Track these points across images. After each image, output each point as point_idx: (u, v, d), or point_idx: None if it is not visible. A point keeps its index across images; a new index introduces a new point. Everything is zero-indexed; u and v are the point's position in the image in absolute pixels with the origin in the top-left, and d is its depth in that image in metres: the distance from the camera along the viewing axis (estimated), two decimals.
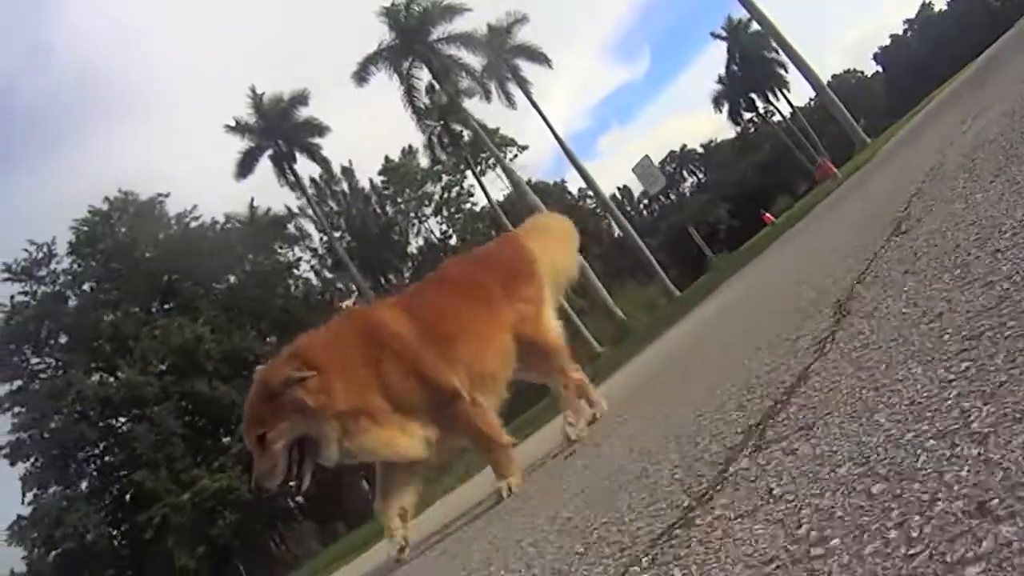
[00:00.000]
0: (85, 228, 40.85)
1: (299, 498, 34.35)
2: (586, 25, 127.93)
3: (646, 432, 2.85)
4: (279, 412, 3.38)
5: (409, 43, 37.61)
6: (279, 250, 46.65)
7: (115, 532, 35.16)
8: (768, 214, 40.02)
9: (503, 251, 4.47)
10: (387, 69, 37.76)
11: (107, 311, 38.10)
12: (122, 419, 37.48)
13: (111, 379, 37.44)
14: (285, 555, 38.02)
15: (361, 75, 38.05)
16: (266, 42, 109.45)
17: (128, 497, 35.19)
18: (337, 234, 51.91)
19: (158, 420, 34.19)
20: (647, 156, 21.24)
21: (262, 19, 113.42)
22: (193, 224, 41.22)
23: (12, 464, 38.23)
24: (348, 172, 58.48)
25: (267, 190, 69.47)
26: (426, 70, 38.66)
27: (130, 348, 37.10)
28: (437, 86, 40.99)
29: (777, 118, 74.82)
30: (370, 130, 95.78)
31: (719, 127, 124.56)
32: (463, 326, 3.86)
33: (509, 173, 38.49)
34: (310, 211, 51.59)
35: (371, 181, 59.87)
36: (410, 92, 39.13)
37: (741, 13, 63.35)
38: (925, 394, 1.23)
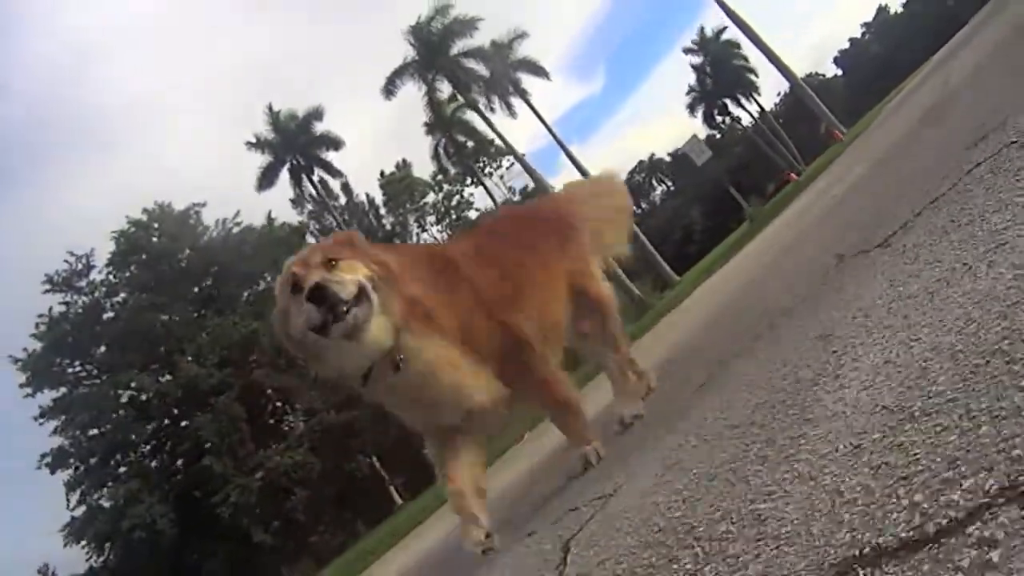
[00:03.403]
0: (123, 239, 45.25)
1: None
2: (540, 45, 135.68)
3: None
4: (359, 254, 2.95)
5: (432, 57, 43.54)
6: None
7: (180, 518, 39.29)
8: (792, 173, 46.40)
9: (546, 209, 4.34)
10: (415, 81, 43.81)
11: (156, 314, 42.50)
12: (182, 411, 41.81)
13: (166, 376, 41.97)
14: (330, 541, 42.48)
15: (388, 88, 43.90)
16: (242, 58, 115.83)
17: (192, 484, 39.58)
18: None
19: (221, 408, 38.92)
20: (694, 135, 27.45)
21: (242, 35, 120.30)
22: (235, 230, 46.12)
23: (52, 472, 42.02)
24: (346, 187, 63.79)
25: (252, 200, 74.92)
26: (446, 82, 44.76)
27: (182, 348, 41.86)
28: (441, 99, 47.12)
29: (747, 121, 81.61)
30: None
31: (683, 134, 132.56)
32: (529, 273, 3.59)
33: (531, 172, 44.47)
34: (317, 222, 57.40)
35: (367, 195, 65.31)
36: (432, 104, 45.14)
37: (711, 25, 71.55)
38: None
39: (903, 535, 0.89)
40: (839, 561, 0.95)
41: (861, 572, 0.90)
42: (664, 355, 5.65)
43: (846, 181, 7.42)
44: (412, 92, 45.20)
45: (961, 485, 0.88)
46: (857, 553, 0.93)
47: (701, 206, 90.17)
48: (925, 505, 0.91)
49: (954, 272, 1.55)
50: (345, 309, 2.73)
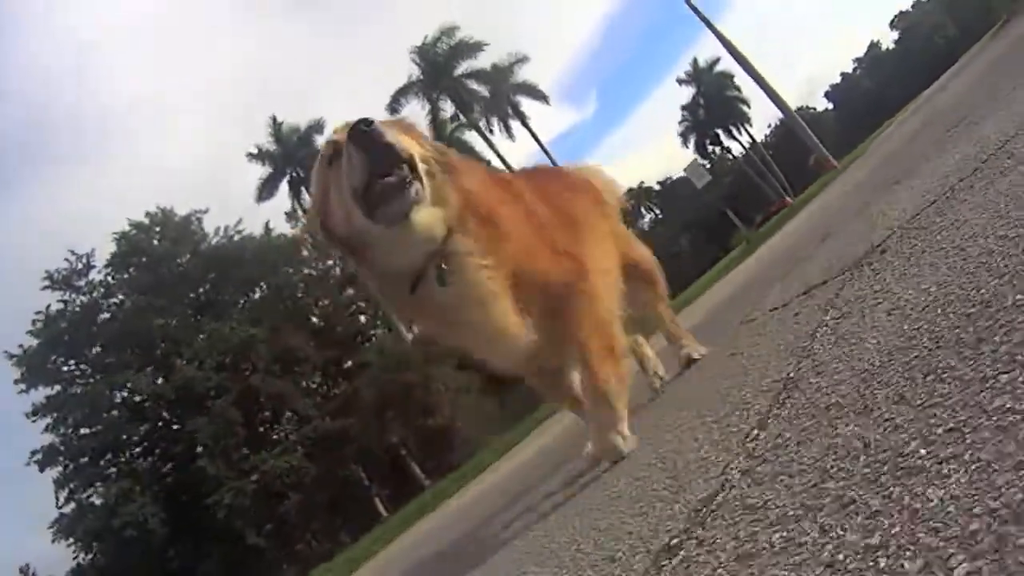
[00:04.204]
0: (124, 241, 46.40)
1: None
2: (533, 68, 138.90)
3: None
4: (415, 136, 2.72)
5: (437, 77, 45.60)
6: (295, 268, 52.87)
7: (172, 518, 40.22)
8: (787, 198, 48.51)
9: (580, 176, 3.98)
10: (420, 99, 45.93)
11: (153, 316, 43.56)
12: (177, 413, 42.87)
13: (161, 379, 43.17)
14: (317, 549, 43.49)
15: (393, 106, 45.95)
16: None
17: (186, 485, 40.59)
18: (330, 262, 58.60)
19: (218, 411, 40.18)
20: (696, 158, 29.68)
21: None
22: (236, 237, 47.64)
23: (42, 470, 42.65)
24: None
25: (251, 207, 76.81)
26: (449, 102, 46.89)
27: (179, 351, 43.14)
28: (443, 119, 49.14)
29: (738, 151, 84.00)
30: None
31: (672, 161, 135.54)
32: (585, 218, 3.40)
33: None
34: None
35: None
36: (434, 123, 47.13)
37: (702, 56, 74.22)
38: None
39: None
40: None
41: None
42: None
43: (866, 168, 9.18)
44: (411, 109, 47.14)
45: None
46: None
47: (690, 234, 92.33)
48: None
49: (936, 163, 3.24)
50: (402, 169, 2.44)
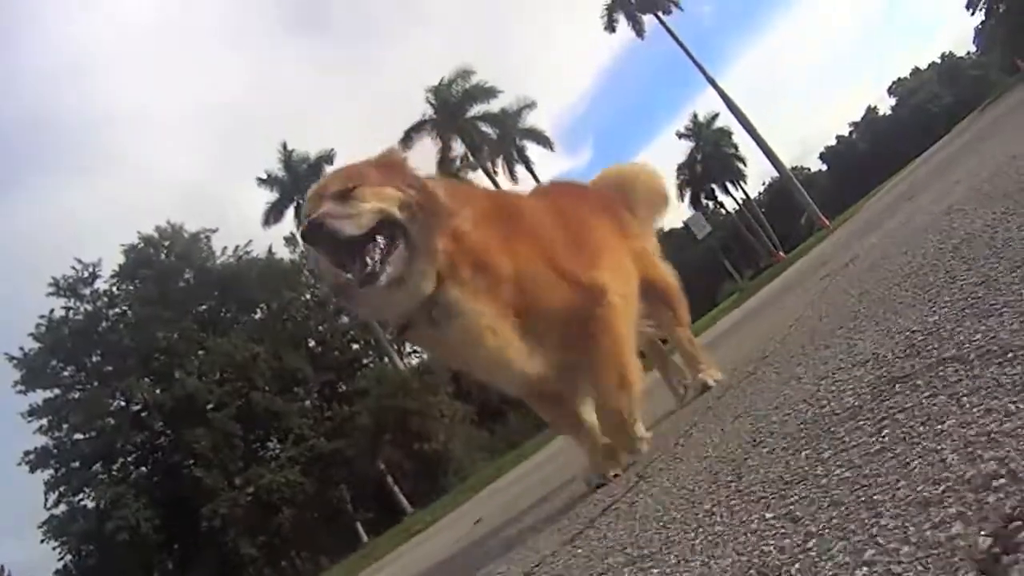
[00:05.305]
0: (132, 253, 48.83)
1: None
2: (530, 114, 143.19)
3: None
4: (392, 176, 2.70)
5: (450, 117, 48.69)
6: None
7: (165, 525, 42.17)
8: (780, 253, 51.35)
9: (598, 189, 4.06)
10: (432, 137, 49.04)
11: (156, 328, 45.72)
12: (175, 423, 44.79)
13: (160, 390, 45.34)
14: (302, 567, 45.24)
15: (405, 142, 48.83)
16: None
17: (181, 494, 42.41)
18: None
19: (218, 424, 42.36)
20: (697, 211, 32.92)
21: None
22: (244, 257, 50.22)
23: (32, 471, 44.67)
24: None
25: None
26: (460, 142, 50.04)
27: (181, 363, 45.34)
28: (452, 157, 52.23)
29: (732, 207, 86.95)
30: None
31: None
32: (603, 237, 3.43)
33: None
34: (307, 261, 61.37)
35: None
36: (444, 161, 50.16)
37: (704, 111, 77.80)
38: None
39: None
40: None
41: None
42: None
43: (853, 227, 12.16)
44: (422, 146, 50.10)
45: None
46: None
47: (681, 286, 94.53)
48: None
49: (893, 221, 6.14)
50: (370, 268, 2.50)
